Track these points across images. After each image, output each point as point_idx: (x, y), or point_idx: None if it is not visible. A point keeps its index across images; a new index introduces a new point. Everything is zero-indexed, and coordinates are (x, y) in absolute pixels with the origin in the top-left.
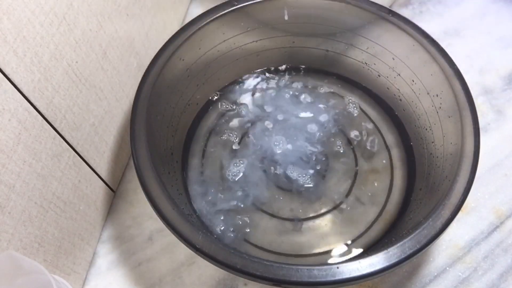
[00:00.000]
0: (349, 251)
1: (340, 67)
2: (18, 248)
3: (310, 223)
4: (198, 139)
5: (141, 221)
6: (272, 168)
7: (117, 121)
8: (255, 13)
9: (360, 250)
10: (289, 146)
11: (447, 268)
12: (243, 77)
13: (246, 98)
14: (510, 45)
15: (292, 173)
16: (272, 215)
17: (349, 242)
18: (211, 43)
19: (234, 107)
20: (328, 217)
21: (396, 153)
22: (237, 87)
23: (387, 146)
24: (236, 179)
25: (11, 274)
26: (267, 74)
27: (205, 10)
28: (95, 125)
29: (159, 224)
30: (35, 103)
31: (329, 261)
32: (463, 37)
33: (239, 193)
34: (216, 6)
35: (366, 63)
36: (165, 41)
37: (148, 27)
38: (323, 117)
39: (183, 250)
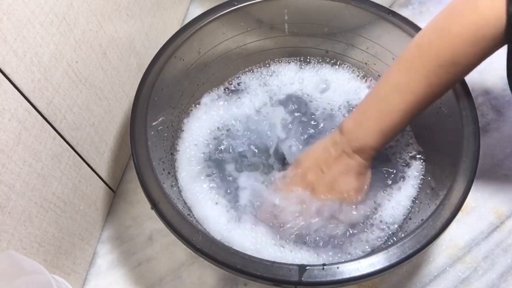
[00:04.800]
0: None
1: (340, 67)
2: (18, 248)
3: None
4: (198, 138)
5: (141, 221)
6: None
7: (117, 121)
8: (255, 13)
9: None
10: (293, 142)
11: (447, 268)
12: (243, 77)
13: (247, 98)
14: None
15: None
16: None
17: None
18: (211, 43)
19: (235, 106)
20: None
21: None
22: (237, 86)
23: None
24: (235, 178)
25: (11, 274)
26: (266, 73)
27: (205, 10)
28: (95, 125)
29: (159, 224)
30: (35, 103)
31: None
32: None
33: (237, 192)
34: (216, 6)
35: (366, 63)
36: (165, 41)
37: (148, 27)
38: (322, 118)
39: (183, 250)
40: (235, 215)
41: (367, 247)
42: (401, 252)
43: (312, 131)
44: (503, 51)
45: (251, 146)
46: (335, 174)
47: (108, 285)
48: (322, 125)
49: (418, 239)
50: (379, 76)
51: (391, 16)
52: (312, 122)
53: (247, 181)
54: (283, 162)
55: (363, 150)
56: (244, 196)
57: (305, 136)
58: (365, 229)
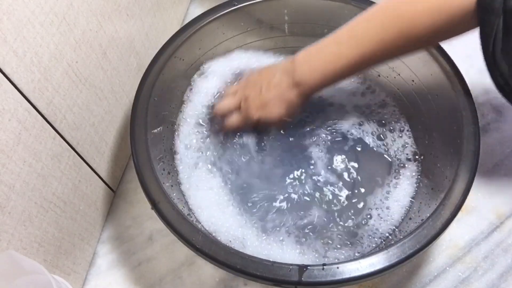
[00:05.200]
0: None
1: None
2: (18, 248)
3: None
4: (198, 139)
5: (141, 221)
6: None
7: (117, 121)
8: (255, 13)
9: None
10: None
11: (447, 268)
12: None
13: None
14: None
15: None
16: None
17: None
18: (211, 43)
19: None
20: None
21: None
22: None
23: None
24: (235, 179)
25: (11, 274)
26: None
27: (205, 10)
28: (95, 125)
29: (159, 224)
30: (35, 103)
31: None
32: (463, 37)
33: (240, 192)
34: (216, 6)
35: None
36: (165, 41)
37: (148, 27)
38: (319, 117)
39: (183, 250)
40: (237, 214)
41: (367, 245)
42: (401, 252)
43: (308, 129)
44: None
45: (252, 145)
46: (270, 97)
47: (108, 285)
48: (319, 123)
49: (418, 239)
50: (379, 76)
51: None
52: (308, 119)
53: (249, 179)
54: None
55: (302, 85)
56: (247, 194)
57: (304, 135)
58: (364, 228)
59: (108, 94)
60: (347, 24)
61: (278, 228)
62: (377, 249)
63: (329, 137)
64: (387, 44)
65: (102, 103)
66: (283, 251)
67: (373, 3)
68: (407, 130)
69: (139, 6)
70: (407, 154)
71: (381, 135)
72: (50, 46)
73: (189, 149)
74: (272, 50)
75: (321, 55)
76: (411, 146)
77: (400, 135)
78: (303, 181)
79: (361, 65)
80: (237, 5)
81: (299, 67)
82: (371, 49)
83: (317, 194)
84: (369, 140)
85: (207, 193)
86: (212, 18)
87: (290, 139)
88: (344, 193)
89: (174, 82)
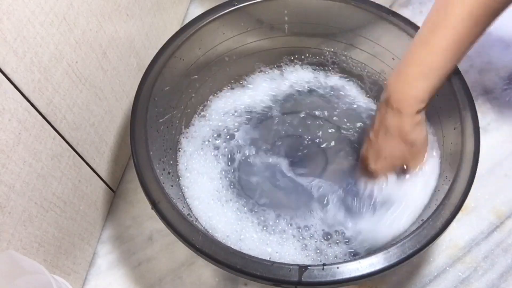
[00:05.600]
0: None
1: (340, 66)
2: (18, 248)
3: None
4: (199, 138)
5: (141, 221)
6: (275, 166)
7: (117, 121)
8: (255, 13)
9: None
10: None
11: (447, 268)
12: (244, 76)
13: (247, 97)
14: (510, 45)
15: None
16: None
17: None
18: (211, 43)
19: (235, 106)
20: None
21: None
22: (238, 86)
23: None
24: (237, 178)
25: (11, 274)
26: (267, 73)
27: (205, 10)
28: (95, 125)
29: (159, 224)
30: (35, 103)
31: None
32: None
33: (242, 192)
34: (216, 6)
35: (366, 64)
36: (165, 41)
37: (148, 27)
38: (321, 114)
39: (183, 250)
40: (237, 211)
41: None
42: (401, 252)
43: (308, 127)
44: (503, 51)
45: (253, 145)
46: (379, 140)
47: (108, 285)
48: (319, 121)
49: (418, 239)
50: (379, 75)
51: (391, 16)
52: (308, 119)
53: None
54: (290, 162)
55: (407, 103)
56: (248, 193)
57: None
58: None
59: (108, 94)
60: (423, 23)
61: (277, 225)
62: (378, 249)
63: (335, 142)
64: (478, 15)
65: (102, 103)
66: (282, 246)
67: (373, 3)
68: None
69: (139, 6)
70: None
71: None
72: (50, 46)
73: (190, 149)
74: None
75: (411, 61)
76: None
77: None
78: (304, 180)
79: (459, 49)
80: (237, 5)
81: (393, 86)
82: (463, 28)
83: (318, 194)
84: None
85: (207, 191)
86: (212, 18)
87: (294, 140)
88: (345, 195)
89: (174, 82)
